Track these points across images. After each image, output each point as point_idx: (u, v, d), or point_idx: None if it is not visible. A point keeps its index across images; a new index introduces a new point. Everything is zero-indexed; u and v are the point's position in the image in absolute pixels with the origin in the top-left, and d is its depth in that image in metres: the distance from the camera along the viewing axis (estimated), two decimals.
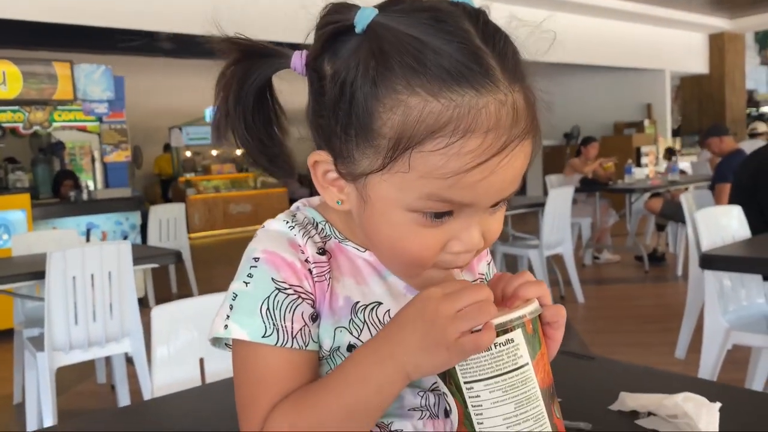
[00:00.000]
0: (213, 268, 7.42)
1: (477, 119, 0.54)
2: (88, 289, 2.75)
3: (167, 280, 6.04)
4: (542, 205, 4.82)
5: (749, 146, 5.19)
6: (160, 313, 1.40)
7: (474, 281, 0.73)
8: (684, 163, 8.73)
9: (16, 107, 6.09)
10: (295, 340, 0.61)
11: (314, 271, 0.63)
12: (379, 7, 0.58)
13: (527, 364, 0.56)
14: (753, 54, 14.15)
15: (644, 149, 10.16)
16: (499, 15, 0.61)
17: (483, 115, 0.54)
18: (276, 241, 0.64)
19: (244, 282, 0.62)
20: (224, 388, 1.20)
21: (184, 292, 5.79)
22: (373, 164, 0.58)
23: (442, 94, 0.54)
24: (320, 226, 0.67)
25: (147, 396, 2.84)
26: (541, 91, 0.59)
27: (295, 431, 0.58)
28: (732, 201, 3.31)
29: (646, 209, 6.13)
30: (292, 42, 0.66)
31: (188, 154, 11.74)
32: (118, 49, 7.07)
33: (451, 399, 0.57)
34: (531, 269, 4.58)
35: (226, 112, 0.65)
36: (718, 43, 11.71)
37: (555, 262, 5.20)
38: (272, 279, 0.61)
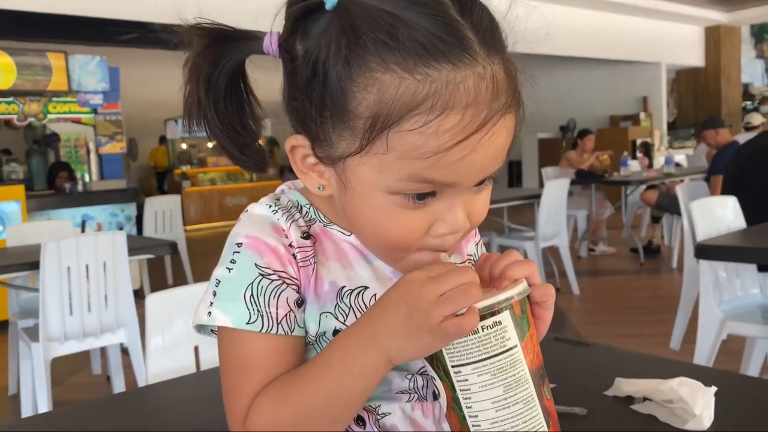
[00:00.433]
0: (209, 260, 7.38)
1: (455, 94, 0.52)
2: (82, 279, 2.74)
3: (163, 272, 6.02)
4: (538, 197, 4.82)
5: (745, 139, 5.21)
6: (154, 301, 1.40)
7: (462, 262, 0.72)
8: (679, 156, 8.75)
9: (11, 99, 6.06)
10: (280, 326, 0.60)
11: (298, 256, 0.62)
12: None
13: (516, 346, 0.55)
14: (749, 47, 14.16)
15: (640, 142, 10.17)
16: (496, 9, 0.59)
17: (461, 90, 0.52)
18: (259, 226, 0.62)
19: (227, 268, 0.61)
20: (219, 375, 1.19)
21: (180, 284, 5.77)
22: (351, 146, 0.56)
23: (418, 69, 0.52)
24: (305, 210, 0.65)
25: (142, 385, 2.84)
26: (535, 84, 0.58)
27: (279, 416, 0.58)
28: (724, 192, 3.32)
29: (642, 201, 6.14)
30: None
31: (184, 146, 11.69)
32: (112, 40, 7.03)
33: (439, 383, 0.57)
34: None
35: (197, 100, 0.63)
36: (714, 36, 11.71)
37: (551, 253, 5.21)
38: (255, 264, 0.60)
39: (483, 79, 0.53)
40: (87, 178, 6.41)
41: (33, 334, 2.77)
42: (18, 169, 6.58)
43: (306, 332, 0.63)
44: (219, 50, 0.62)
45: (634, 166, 6.88)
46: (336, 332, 0.62)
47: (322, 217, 0.65)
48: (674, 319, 3.50)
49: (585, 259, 6.39)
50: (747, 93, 13.59)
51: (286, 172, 11.66)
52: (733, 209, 2.87)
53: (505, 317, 0.54)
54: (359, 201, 0.58)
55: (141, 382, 2.85)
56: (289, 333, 0.60)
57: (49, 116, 6.32)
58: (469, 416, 0.55)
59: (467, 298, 0.52)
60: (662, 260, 6.10)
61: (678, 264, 5.61)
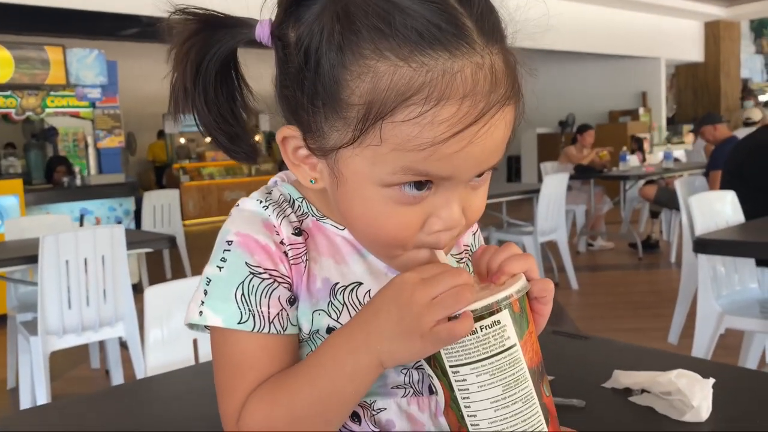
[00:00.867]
0: (207, 254, 7.27)
1: (451, 84, 0.50)
2: (81, 273, 2.74)
3: (162, 266, 6.02)
4: (537, 192, 4.82)
5: (743, 135, 5.21)
6: (153, 294, 1.39)
7: (459, 253, 0.71)
8: (678, 151, 8.75)
9: (8, 92, 6.04)
10: (272, 325, 0.59)
11: (290, 253, 0.60)
12: None
13: (515, 345, 0.54)
14: (748, 42, 14.14)
15: (640, 137, 10.17)
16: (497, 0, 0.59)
17: (458, 80, 0.50)
18: (249, 223, 0.61)
19: (217, 266, 0.60)
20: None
21: (179, 278, 5.77)
22: (344, 137, 0.54)
23: (413, 58, 0.50)
24: (297, 203, 0.64)
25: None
26: (535, 76, 0.57)
27: (271, 416, 0.57)
28: (723, 187, 3.32)
29: (641, 196, 6.15)
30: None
31: (182, 140, 11.67)
32: (111, 34, 7.01)
33: (436, 382, 0.56)
34: None
35: (184, 87, 0.61)
36: (713, 31, 11.70)
37: (549, 248, 5.21)
38: (246, 263, 0.59)
39: (481, 69, 0.52)
40: (85, 173, 6.40)
41: (32, 327, 2.77)
42: (16, 163, 6.57)
43: (299, 330, 0.62)
44: (209, 37, 0.61)
45: (633, 161, 6.88)
46: (329, 330, 0.61)
47: (315, 211, 0.64)
48: (672, 314, 3.50)
49: (583, 254, 6.39)
50: (746, 88, 13.59)
51: (284, 167, 11.61)
52: (731, 204, 2.87)
53: (504, 316, 0.53)
54: (352, 195, 0.57)
55: (140, 376, 2.85)
56: (282, 332, 0.59)
57: (47, 110, 6.30)
58: (468, 415, 0.55)
59: (459, 302, 0.51)
60: (661, 255, 6.10)
61: (676, 259, 5.62)
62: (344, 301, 0.62)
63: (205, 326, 0.62)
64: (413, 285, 0.52)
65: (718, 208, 2.81)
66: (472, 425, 0.55)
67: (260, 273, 0.59)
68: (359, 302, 0.62)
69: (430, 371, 0.56)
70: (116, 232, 2.84)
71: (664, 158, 7.01)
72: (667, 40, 11.03)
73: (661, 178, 6.37)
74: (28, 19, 6.04)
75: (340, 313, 0.61)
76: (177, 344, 1.39)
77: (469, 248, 0.73)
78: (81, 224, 5.55)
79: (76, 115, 6.47)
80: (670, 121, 12.23)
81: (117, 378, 3.11)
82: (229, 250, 0.60)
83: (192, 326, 0.62)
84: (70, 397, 3.25)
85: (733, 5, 11.19)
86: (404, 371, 0.64)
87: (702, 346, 2.56)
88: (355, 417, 0.63)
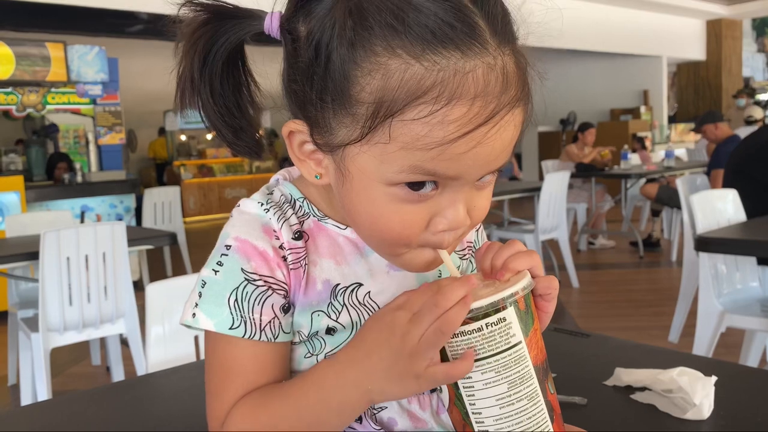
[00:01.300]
0: (208, 252, 7.31)
1: (463, 84, 0.50)
2: (82, 269, 2.74)
3: (162, 263, 6.02)
4: (538, 190, 4.82)
5: (745, 133, 5.20)
6: (154, 290, 1.39)
7: (462, 250, 0.72)
8: (680, 150, 8.74)
9: (9, 89, 6.04)
10: (263, 332, 0.59)
11: (289, 258, 0.60)
12: None
13: (520, 342, 0.54)
14: (750, 41, 14.11)
15: (640, 135, 10.17)
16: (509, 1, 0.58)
17: (470, 80, 0.50)
18: (249, 227, 0.60)
19: (213, 270, 0.60)
20: None
21: (179, 275, 5.78)
22: (352, 134, 0.53)
23: (425, 56, 0.50)
24: (298, 204, 0.63)
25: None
26: (546, 79, 0.56)
27: None
28: (725, 184, 3.32)
29: (642, 194, 6.14)
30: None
31: (183, 138, 11.68)
32: (112, 30, 7.00)
33: None
34: None
35: (191, 78, 0.60)
36: (715, 30, 11.68)
37: (550, 246, 5.21)
38: (242, 269, 0.59)
39: (493, 70, 0.51)
40: (86, 170, 6.40)
41: (32, 324, 2.78)
42: (17, 159, 6.57)
43: (296, 333, 0.62)
44: (217, 27, 0.60)
45: (634, 159, 6.88)
46: (329, 330, 0.61)
47: (316, 211, 0.63)
48: (673, 313, 3.50)
49: (584, 252, 6.39)
50: (748, 87, 13.57)
51: (285, 165, 11.62)
52: (733, 202, 2.86)
53: (510, 313, 0.53)
54: (358, 192, 0.56)
55: (141, 372, 2.86)
56: (273, 340, 0.59)
57: (48, 107, 6.30)
58: (473, 413, 0.55)
59: (444, 336, 0.51)
60: (662, 254, 6.10)
61: (677, 257, 5.61)
62: (344, 302, 0.62)
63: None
64: (403, 326, 0.52)
65: (720, 207, 2.81)
66: (477, 423, 0.55)
67: (255, 280, 0.59)
68: (359, 302, 0.62)
69: None
70: (117, 229, 2.84)
71: (665, 156, 7.01)
72: (669, 39, 11.02)
73: (662, 177, 6.37)
74: (29, 15, 6.03)
75: (339, 314, 0.61)
76: (178, 341, 1.39)
77: (472, 245, 0.73)
78: (82, 221, 5.55)
79: (76, 112, 6.48)
80: (672, 120, 12.22)
81: (118, 374, 3.11)
82: (226, 255, 0.60)
83: (188, 326, 0.62)
84: (70, 393, 3.26)
85: (735, 4, 11.18)
86: None
87: (703, 345, 2.55)
88: None
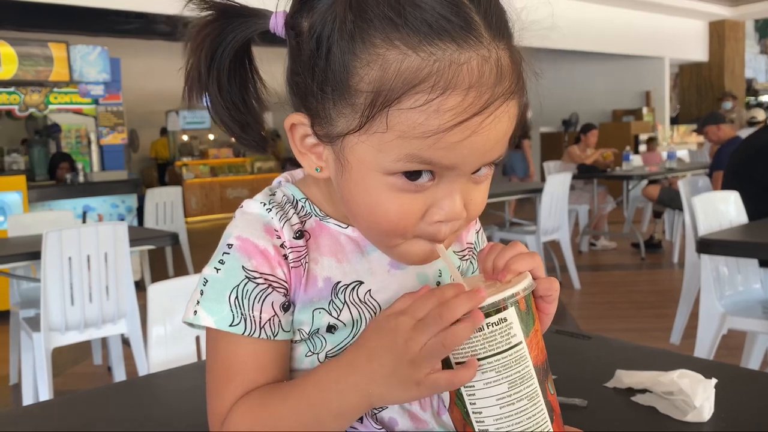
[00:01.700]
0: (210, 252, 7.32)
1: (458, 75, 0.52)
2: (84, 269, 2.75)
3: (164, 263, 6.03)
4: (540, 191, 4.82)
5: (747, 134, 5.20)
6: (156, 290, 1.40)
7: (462, 251, 0.72)
8: (682, 151, 8.73)
9: (12, 89, 6.05)
10: (263, 330, 0.60)
11: (290, 257, 0.61)
12: None
13: (521, 342, 0.54)
14: (753, 43, 14.11)
15: (642, 137, 10.16)
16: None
17: (464, 71, 0.52)
18: (251, 226, 0.62)
19: (215, 268, 0.61)
20: None
21: (181, 276, 5.78)
22: (350, 124, 0.55)
23: (422, 47, 0.52)
24: (300, 204, 0.65)
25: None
26: (541, 77, 0.58)
27: None
28: (724, 185, 3.32)
29: (644, 196, 6.14)
30: None
31: (185, 138, 11.69)
32: (114, 31, 7.01)
33: None
34: None
35: (198, 74, 0.62)
36: (718, 31, 11.67)
37: (552, 248, 5.20)
38: (243, 267, 0.60)
39: (487, 62, 0.53)
40: (88, 169, 6.41)
41: (34, 324, 2.78)
42: (19, 159, 6.58)
43: (297, 331, 0.62)
44: (225, 25, 0.62)
45: (636, 161, 6.87)
46: (330, 327, 0.62)
47: (318, 211, 0.64)
48: (675, 314, 3.50)
49: (586, 253, 6.39)
50: (750, 88, 13.56)
51: (287, 165, 11.65)
52: (735, 204, 2.86)
53: (511, 314, 0.54)
54: (356, 182, 0.57)
55: (142, 372, 2.86)
56: (272, 337, 0.60)
57: (50, 107, 6.31)
58: (473, 412, 0.55)
59: (449, 347, 0.52)
60: (663, 255, 6.10)
61: (679, 259, 5.61)
62: (345, 300, 0.62)
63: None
64: (406, 333, 0.52)
65: (722, 209, 2.81)
66: (477, 422, 0.55)
67: (256, 278, 0.60)
68: (360, 300, 0.63)
69: None
70: (119, 229, 2.84)
71: (667, 158, 7.00)
72: (672, 40, 11.01)
73: (664, 178, 6.36)
74: (31, 15, 6.04)
75: (341, 311, 0.62)
76: (179, 341, 1.39)
77: (472, 246, 0.74)
78: (84, 221, 5.56)
79: (79, 112, 6.49)
80: (674, 121, 12.21)
81: (119, 374, 3.12)
82: (228, 253, 0.61)
83: (191, 324, 0.63)
84: (72, 393, 3.26)
85: (738, 5, 11.16)
86: None
87: (704, 347, 2.55)
88: None
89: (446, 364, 0.55)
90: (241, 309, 0.59)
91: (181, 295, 1.41)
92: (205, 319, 0.60)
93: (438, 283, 0.67)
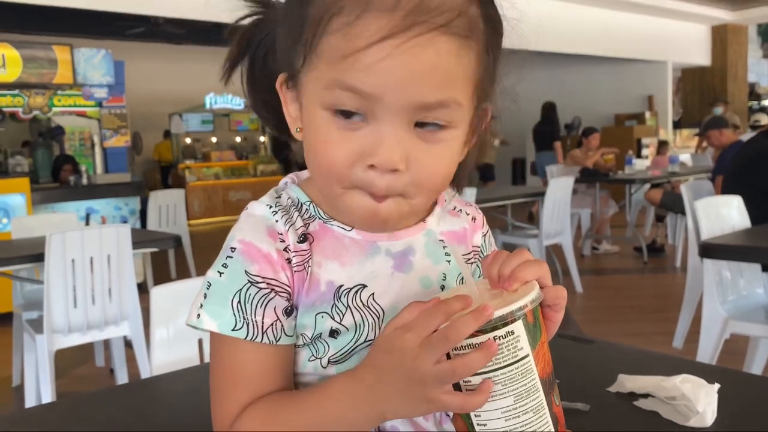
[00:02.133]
0: (212, 254, 7.31)
1: None
2: (87, 272, 2.75)
3: (167, 266, 6.04)
4: (542, 194, 4.82)
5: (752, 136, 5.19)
6: (159, 293, 1.40)
7: (468, 253, 0.72)
8: (684, 155, 8.73)
9: (16, 91, 6.07)
10: (265, 335, 0.60)
11: (294, 260, 0.61)
12: None
13: (527, 355, 0.54)
14: (755, 47, 14.08)
15: (645, 141, 10.15)
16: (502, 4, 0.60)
17: None
18: (255, 229, 0.62)
19: (218, 272, 0.61)
20: None
21: (184, 278, 5.78)
22: (300, 61, 0.58)
23: None
24: (304, 207, 0.65)
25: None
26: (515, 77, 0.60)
27: None
28: (725, 190, 3.31)
29: (646, 200, 6.13)
30: None
31: (188, 141, 11.71)
32: (118, 34, 7.04)
33: None
34: None
35: (232, 64, 0.67)
36: (720, 35, 11.66)
37: (554, 251, 5.20)
38: (245, 272, 0.60)
39: None
40: (91, 172, 6.42)
41: (37, 326, 2.78)
42: (23, 161, 6.60)
43: (300, 335, 0.63)
44: (260, 22, 0.67)
45: (638, 164, 6.86)
46: (333, 332, 0.62)
47: (322, 214, 0.65)
48: (677, 318, 3.49)
49: (588, 257, 6.38)
50: (753, 92, 13.54)
51: (293, 167, 11.66)
52: (738, 209, 2.86)
53: (518, 327, 0.53)
54: (307, 125, 0.60)
55: (145, 375, 2.86)
56: (275, 342, 0.60)
57: (54, 109, 6.33)
58: (477, 424, 0.55)
59: (467, 371, 0.52)
60: (666, 259, 6.09)
61: (681, 263, 5.60)
62: (348, 304, 0.62)
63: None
64: (413, 352, 0.52)
65: (725, 213, 2.80)
66: None
67: (258, 282, 0.60)
68: (363, 304, 0.63)
69: None
70: (122, 232, 2.85)
71: (670, 162, 6.99)
72: (674, 44, 11.00)
73: (667, 182, 6.35)
74: (36, 18, 6.06)
75: (343, 315, 0.62)
76: (182, 343, 1.39)
77: (479, 249, 0.73)
78: (87, 223, 5.57)
79: (82, 114, 6.50)
80: (676, 125, 12.20)
81: (122, 376, 3.12)
82: (231, 257, 0.61)
83: (194, 327, 0.63)
84: (75, 395, 3.26)
85: (741, 9, 11.16)
86: None
87: (707, 351, 2.55)
88: None
89: None
90: (243, 314, 0.60)
91: (185, 297, 1.42)
92: (208, 322, 0.60)
93: (442, 287, 0.67)
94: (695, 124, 11.43)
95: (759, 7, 11.00)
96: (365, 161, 0.56)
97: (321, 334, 0.62)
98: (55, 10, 5.43)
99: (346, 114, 0.56)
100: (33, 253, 2.81)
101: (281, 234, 0.62)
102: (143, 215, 5.95)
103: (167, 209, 5.75)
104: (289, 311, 0.62)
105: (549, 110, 8.53)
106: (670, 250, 6.29)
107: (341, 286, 0.62)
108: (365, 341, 0.62)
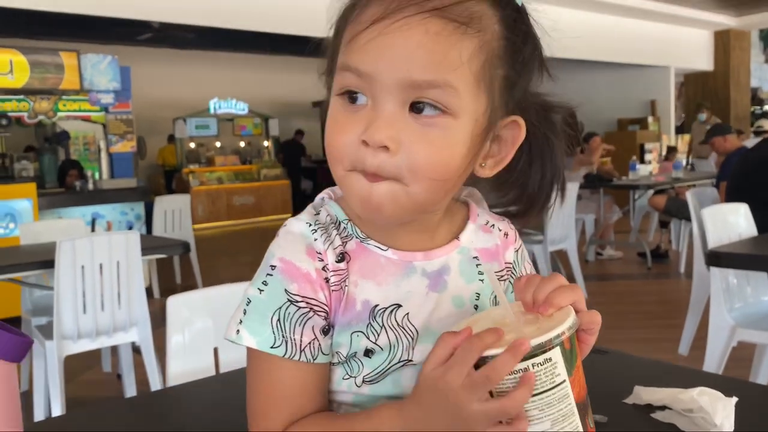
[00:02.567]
0: (217, 259, 7.43)
1: None
2: (96, 278, 2.77)
3: (172, 270, 6.05)
4: None
5: (755, 143, 5.20)
6: (175, 302, 1.41)
7: (501, 270, 0.72)
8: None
9: (21, 96, 6.09)
10: (303, 353, 0.61)
11: (332, 279, 0.62)
12: None
13: (564, 381, 0.55)
14: (758, 52, 14.10)
15: (648, 146, 10.14)
16: None
17: None
18: (294, 248, 0.63)
19: (258, 289, 0.62)
20: (238, 377, 1.21)
21: (189, 283, 5.81)
22: (329, 69, 0.64)
23: None
24: (342, 225, 0.66)
25: (154, 385, 2.86)
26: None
27: None
28: (728, 197, 3.32)
29: (650, 206, 6.13)
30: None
31: (192, 145, 11.73)
32: (124, 39, 7.06)
33: None
34: (535, 264, 4.59)
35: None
36: (723, 41, 11.67)
37: (558, 257, 5.21)
38: (285, 290, 0.61)
39: None
40: (97, 177, 6.44)
41: (46, 332, 2.80)
42: (29, 166, 6.61)
43: (335, 354, 0.63)
44: None
45: (642, 170, 6.87)
46: (367, 352, 0.63)
47: (359, 233, 0.65)
48: (682, 324, 3.49)
49: (593, 262, 6.38)
50: (756, 97, 13.54)
51: (291, 171, 11.67)
52: (745, 216, 2.86)
53: (556, 353, 0.54)
54: (327, 118, 0.63)
55: (152, 381, 2.87)
56: (312, 360, 0.62)
57: (59, 114, 6.35)
58: None
59: (512, 411, 0.52)
60: (670, 264, 6.09)
61: (686, 269, 5.60)
62: (383, 323, 0.63)
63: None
64: (455, 392, 0.53)
65: (732, 221, 2.81)
66: None
67: (298, 301, 0.61)
68: (397, 324, 0.63)
69: None
70: (131, 238, 2.86)
71: (673, 167, 7.00)
72: (677, 49, 11.01)
73: (671, 188, 6.36)
74: (43, 24, 6.09)
75: (378, 335, 0.63)
76: (198, 353, 1.40)
77: (511, 265, 0.73)
78: (92, 229, 5.58)
79: (87, 119, 6.52)
80: (679, 130, 12.20)
81: (129, 382, 3.13)
82: (271, 275, 0.62)
83: (232, 341, 0.64)
84: (83, 402, 3.27)
85: (743, 15, 11.17)
86: None
87: (714, 359, 2.55)
88: None
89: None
90: (282, 332, 0.61)
91: (200, 307, 1.43)
92: (248, 339, 0.62)
93: (476, 306, 0.68)
94: None
95: (761, 13, 11.00)
96: (360, 138, 0.58)
97: (356, 353, 0.63)
98: (62, 16, 5.47)
99: (352, 98, 0.59)
100: (43, 260, 2.83)
101: (320, 253, 0.63)
102: (149, 220, 5.97)
103: (173, 214, 5.77)
104: (326, 330, 0.63)
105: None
106: (674, 255, 6.29)
107: (377, 305, 0.63)
108: (399, 361, 0.63)
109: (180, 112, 11.24)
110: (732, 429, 0.85)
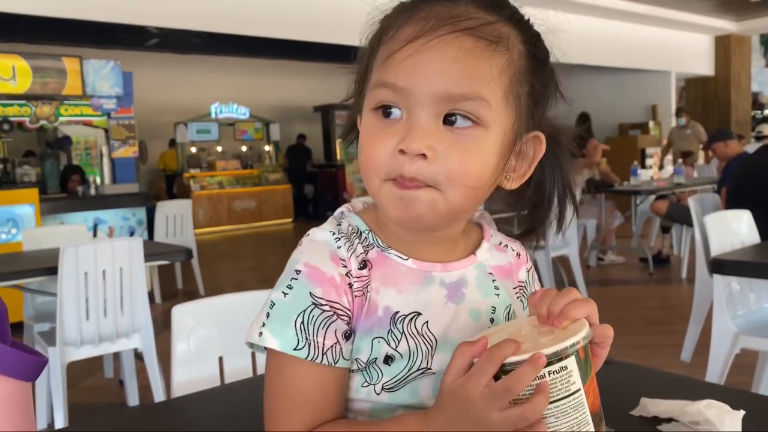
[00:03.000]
0: (218, 264, 7.43)
1: (419, 11, 0.62)
2: (99, 284, 2.77)
3: (173, 276, 6.05)
4: None
5: (754, 149, 5.20)
6: (180, 311, 1.41)
7: (514, 288, 0.74)
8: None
9: (23, 101, 6.10)
10: (325, 356, 0.62)
11: (355, 285, 0.64)
12: None
13: (579, 390, 0.56)
14: (759, 56, 14.12)
15: (649, 151, 10.15)
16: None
17: (424, 8, 0.62)
18: (319, 254, 0.64)
19: (283, 292, 0.64)
20: (243, 388, 1.21)
21: (190, 288, 5.81)
22: (360, 88, 0.67)
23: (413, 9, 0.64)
24: (363, 235, 0.68)
25: (157, 391, 2.86)
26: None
27: None
28: (727, 203, 3.32)
29: (652, 211, 6.13)
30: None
31: (193, 150, 11.74)
32: (126, 44, 7.08)
33: None
34: (537, 270, 4.59)
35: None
36: (723, 45, 11.69)
37: (560, 263, 5.21)
38: (310, 293, 0.63)
39: (455, 5, 0.62)
40: (99, 182, 6.44)
41: (49, 338, 2.80)
42: (31, 171, 6.61)
43: (354, 360, 0.64)
44: None
45: (643, 175, 6.87)
46: (387, 358, 0.64)
47: (380, 242, 0.67)
48: (684, 330, 3.49)
49: (594, 268, 6.38)
50: (756, 102, 13.56)
51: (292, 173, 11.68)
52: (747, 223, 2.86)
53: (571, 362, 0.55)
54: (360, 134, 0.66)
55: (155, 387, 2.87)
56: (333, 364, 0.62)
57: (61, 119, 6.35)
58: None
59: (532, 417, 0.53)
60: (671, 270, 6.08)
61: (687, 274, 5.60)
62: (403, 330, 0.64)
63: (265, 347, 0.65)
64: (477, 402, 0.54)
65: (734, 227, 2.81)
66: None
67: (322, 305, 0.63)
68: (417, 332, 0.65)
69: None
70: (134, 245, 2.86)
71: (674, 173, 7.00)
72: (678, 54, 11.03)
73: (672, 193, 6.36)
74: (45, 29, 6.10)
75: (399, 342, 0.64)
76: (203, 362, 1.40)
77: (523, 284, 0.76)
78: (94, 234, 5.59)
79: (89, 124, 6.53)
80: None
81: (132, 389, 3.13)
82: (296, 279, 0.64)
83: (251, 345, 0.65)
84: (85, 408, 3.27)
85: (744, 20, 11.19)
86: None
87: (717, 366, 2.55)
88: None
89: None
90: (306, 334, 0.62)
91: (205, 316, 1.43)
92: (270, 341, 0.62)
93: (491, 320, 0.69)
94: None
95: (762, 18, 11.03)
96: (397, 148, 0.60)
97: (375, 359, 0.64)
98: (64, 21, 5.48)
99: (387, 113, 0.61)
100: (46, 266, 2.83)
101: (344, 260, 0.64)
102: (150, 225, 5.97)
103: (174, 219, 5.77)
104: (348, 335, 0.64)
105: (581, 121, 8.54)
106: (675, 261, 6.28)
107: (397, 312, 0.65)
108: (418, 369, 0.64)
109: (181, 116, 11.25)
110: None
